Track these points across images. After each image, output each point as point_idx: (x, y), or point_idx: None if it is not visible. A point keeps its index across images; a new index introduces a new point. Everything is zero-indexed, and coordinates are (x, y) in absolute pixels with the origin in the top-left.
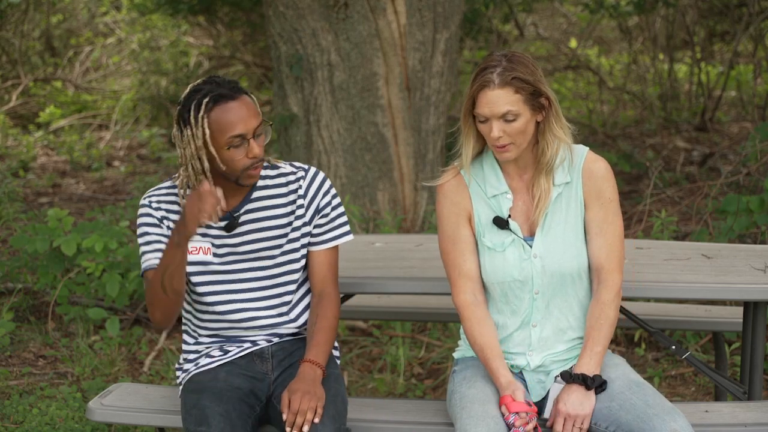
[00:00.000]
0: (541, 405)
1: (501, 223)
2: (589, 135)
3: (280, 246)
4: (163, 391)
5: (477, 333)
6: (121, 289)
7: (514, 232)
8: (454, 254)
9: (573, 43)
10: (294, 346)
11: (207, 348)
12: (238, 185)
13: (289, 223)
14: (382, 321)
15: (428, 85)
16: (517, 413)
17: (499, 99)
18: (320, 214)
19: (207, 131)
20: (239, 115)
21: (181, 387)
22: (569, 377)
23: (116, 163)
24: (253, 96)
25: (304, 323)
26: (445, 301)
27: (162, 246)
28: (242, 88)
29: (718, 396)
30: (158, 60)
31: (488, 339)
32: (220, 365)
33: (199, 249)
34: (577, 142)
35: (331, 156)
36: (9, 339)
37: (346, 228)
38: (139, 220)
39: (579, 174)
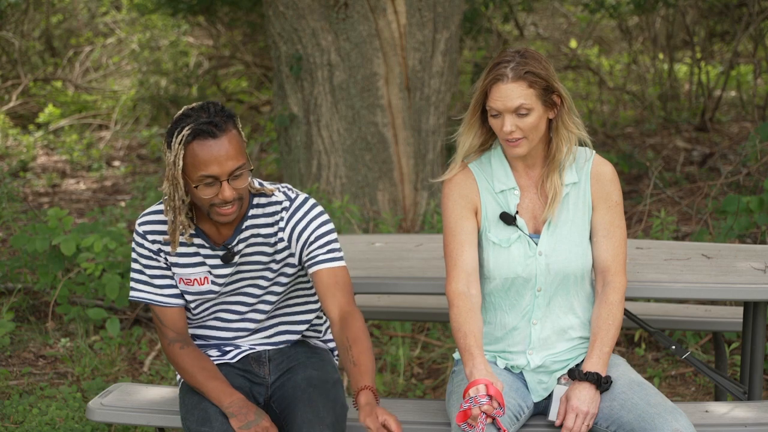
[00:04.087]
0: (538, 406)
1: (508, 218)
2: (589, 135)
3: (268, 278)
4: (163, 391)
5: (463, 320)
6: (120, 289)
7: (520, 229)
8: (452, 245)
9: (573, 43)
10: (292, 350)
11: (203, 350)
12: (208, 217)
13: (275, 252)
14: (382, 321)
15: (428, 85)
16: (491, 397)
17: (512, 92)
18: (308, 244)
19: (181, 163)
20: (215, 156)
21: (180, 386)
22: (581, 375)
23: (116, 163)
24: (242, 132)
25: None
26: (445, 301)
27: (155, 281)
28: (233, 122)
29: (718, 396)
30: (158, 60)
31: (473, 327)
32: (218, 364)
33: (194, 281)
34: (581, 144)
35: (331, 156)
36: (9, 339)
37: (340, 255)
38: (134, 246)
39: (587, 176)
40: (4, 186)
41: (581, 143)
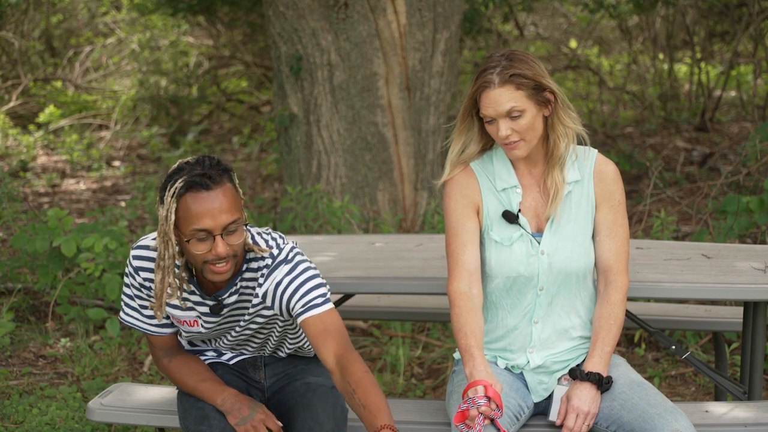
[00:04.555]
0: (538, 406)
1: (510, 217)
2: (589, 135)
3: (257, 322)
4: (163, 391)
5: (464, 320)
6: (120, 289)
7: (522, 227)
8: (454, 245)
9: (573, 43)
10: (288, 357)
11: (200, 353)
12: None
13: (257, 304)
14: (382, 321)
15: (428, 85)
16: (489, 399)
17: (500, 97)
18: (289, 301)
19: (173, 217)
20: (208, 209)
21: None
22: (583, 375)
23: (116, 163)
24: (238, 187)
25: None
26: (445, 301)
27: (145, 311)
28: (229, 175)
29: (718, 396)
30: (158, 60)
31: (474, 328)
32: (215, 363)
33: (183, 322)
34: (580, 142)
35: (331, 156)
36: (9, 339)
37: (322, 300)
38: (126, 273)
39: (590, 175)
40: (4, 186)
41: (580, 140)
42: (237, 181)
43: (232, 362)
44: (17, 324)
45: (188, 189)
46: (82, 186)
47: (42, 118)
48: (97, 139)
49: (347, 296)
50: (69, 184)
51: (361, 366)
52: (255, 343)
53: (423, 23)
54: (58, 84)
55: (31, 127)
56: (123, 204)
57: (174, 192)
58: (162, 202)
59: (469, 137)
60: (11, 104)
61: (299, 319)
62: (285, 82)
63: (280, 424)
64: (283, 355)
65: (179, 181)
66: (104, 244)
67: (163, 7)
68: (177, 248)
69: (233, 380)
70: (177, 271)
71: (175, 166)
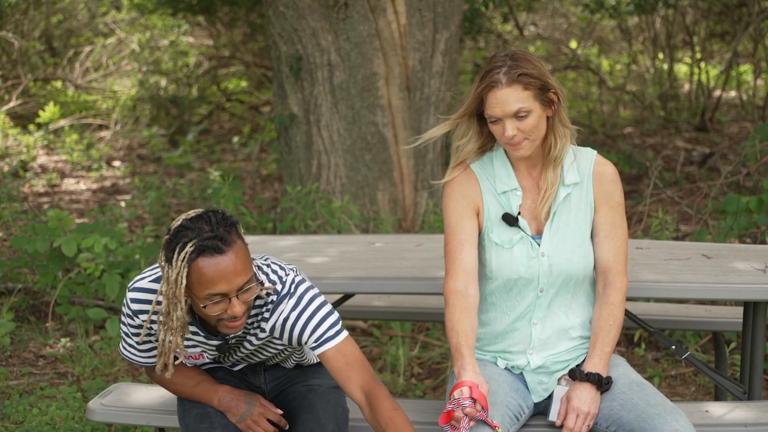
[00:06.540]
0: (538, 406)
1: (510, 219)
2: (589, 135)
3: (268, 351)
4: (163, 391)
5: (457, 319)
6: (120, 289)
7: (522, 230)
8: (452, 244)
9: (573, 43)
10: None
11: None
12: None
13: (263, 337)
14: (382, 321)
15: (428, 85)
16: (474, 400)
17: (508, 97)
18: (300, 337)
19: (184, 281)
20: (223, 273)
21: None
22: (583, 376)
23: (116, 163)
24: (244, 239)
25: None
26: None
27: (141, 346)
28: (236, 230)
29: (718, 396)
30: (158, 60)
31: (466, 327)
32: (216, 368)
33: (189, 356)
34: (577, 142)
35: (331, 156)
36: (9, 339)
37: (334, 330)
38: (123, 311)
39: (589, 176)
40: (4, 186)
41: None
42: (242, 231)
43: (231, 367)
44: (17, 324)
45: (200, 253)
46: (82, 186)
47: (42, 118)
48: (97, 139)
49: (347, 296)
50: (69, 184)
51: (389, 403)
52: (259, 358)
53: (423, 23)
54: (58, 84)
55: (31, 127)
56: (123, 204)
57: (185, 256)
58: (169, 263)
59: (468, 137)
60: (11, 104)
61: (316, 352)
62: (285, 82)
63: (280, 411)
64: (287, 366)
65: (189, 245)
66: (104, 244)
67: (163, 7)
68: (184, 308)
69: (233, 383)
70: (181, 323)
71: (179, 224)
